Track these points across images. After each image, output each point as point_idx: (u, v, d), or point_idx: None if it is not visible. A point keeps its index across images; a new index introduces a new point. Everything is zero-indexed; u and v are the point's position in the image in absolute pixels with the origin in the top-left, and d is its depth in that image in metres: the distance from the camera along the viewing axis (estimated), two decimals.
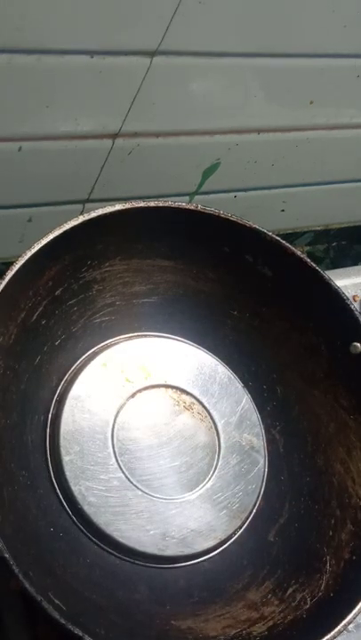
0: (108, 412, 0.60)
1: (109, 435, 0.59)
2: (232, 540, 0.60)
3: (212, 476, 0.61)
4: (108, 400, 0.60)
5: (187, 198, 0.78)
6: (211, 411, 0.64)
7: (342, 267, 0.88)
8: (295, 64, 0.67)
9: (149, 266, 0.63)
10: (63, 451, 0.57)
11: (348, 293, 0.77)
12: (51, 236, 0.52)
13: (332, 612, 0.52)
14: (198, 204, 0.59)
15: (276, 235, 0.61)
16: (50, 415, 0.59)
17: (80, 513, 0.56)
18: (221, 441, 0.63)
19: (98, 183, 0.71)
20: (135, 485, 0.58)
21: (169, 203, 0.58)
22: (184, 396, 0.63)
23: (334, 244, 0.99)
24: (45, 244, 0.52)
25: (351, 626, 0.55)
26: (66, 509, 0.56)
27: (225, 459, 0.62)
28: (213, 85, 0.65)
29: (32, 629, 0.55)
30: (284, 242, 0.61)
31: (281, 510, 0.62)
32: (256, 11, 0.60)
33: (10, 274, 0.50)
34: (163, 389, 0.63)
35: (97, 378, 0.61)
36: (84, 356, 0.63)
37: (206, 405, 0.64)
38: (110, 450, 0.59)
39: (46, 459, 0.58)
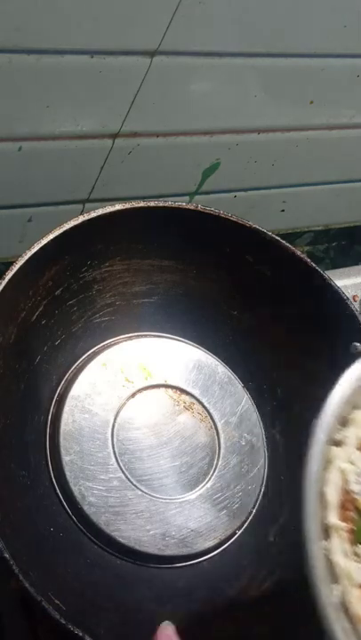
0: (108, 412, 0.60)
1: (109, 435, 0.59)
2: (232, 540, 0.60)
3: (212, 475, 0.61)
4: (108, 400, 0.61)
5: (187, 198, 0.78)
6: (211, 411, 0.64)
7: (342, 267, 0.88)
8: (295, 64, 0.67)
9: (149, 266, 0.63)
10: (63, 451, 0.57)
11: (348, 293, 0.77)
12: (51, 236, 0.52)
13: None
14: (198, 204, 0.59)
15: (276, 235, 0.61)
16: (50, 415, 0.59)
17: (80, 513, 0.56)
18: (221, 441, 0.63)
19: (98, 183, 0.71)
20: (135, 485, 0.58)
21: (169, 203, 0.59)
22: (184, 396, 0.63)
23: (334, 243, 0.99)
24: (45, 244, 0.52)
25: None
26: (66, 509, 0.56)
27: (225, 459, 0.62)
28: (213, 85, 0.65)
29: (32, 629, 0.55)
30: (284, 242, 0.61)
31: (281, 510, 0.62)
32: (256, 10, 0.60)
33: (10, 274, 0.50)
34: (162, 389, 0.63)
35: (97, 378, 0.61)
36: (84, 356, 0.63)
37: (206, 405, 0.64)
38: (110, 450, 0.59)
39: (46, 459, 0.58)
